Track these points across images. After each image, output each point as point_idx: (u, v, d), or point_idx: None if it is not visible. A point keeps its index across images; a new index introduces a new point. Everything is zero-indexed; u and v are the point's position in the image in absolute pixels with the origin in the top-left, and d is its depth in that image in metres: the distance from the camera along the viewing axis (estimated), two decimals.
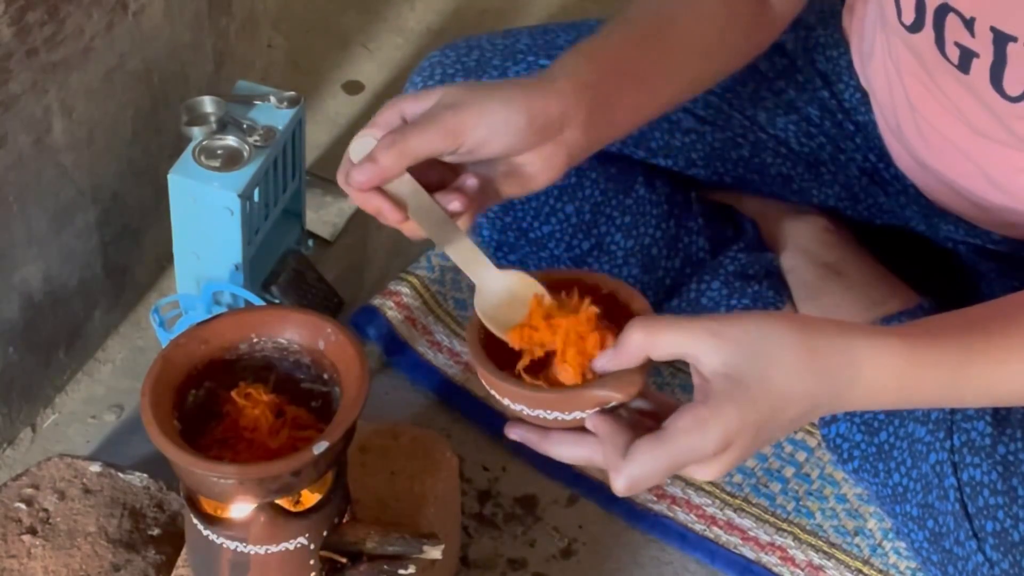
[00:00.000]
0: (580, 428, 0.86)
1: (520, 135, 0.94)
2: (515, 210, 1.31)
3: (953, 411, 1.11)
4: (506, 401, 0.88)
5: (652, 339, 0.84)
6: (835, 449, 1.24)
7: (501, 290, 0.91)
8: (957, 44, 1.02)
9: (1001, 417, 1.09)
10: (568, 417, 0.86)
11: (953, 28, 1.02)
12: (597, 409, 0.85)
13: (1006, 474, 1.07)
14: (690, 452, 0.83)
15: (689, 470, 0.84)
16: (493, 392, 0.88)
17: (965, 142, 1.11)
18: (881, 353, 0.85)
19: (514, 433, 0.88)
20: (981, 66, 1.01)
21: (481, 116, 0.93)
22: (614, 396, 0.85)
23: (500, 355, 0.89)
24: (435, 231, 0.92)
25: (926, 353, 0.86)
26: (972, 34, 1.00)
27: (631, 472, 0.83)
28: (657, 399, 0.89)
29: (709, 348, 0.83)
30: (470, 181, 0.94)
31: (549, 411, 0.86)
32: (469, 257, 0.92)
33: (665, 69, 1.05)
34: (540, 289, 0.90)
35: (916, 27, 1.06)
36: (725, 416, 0.82)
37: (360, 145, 0.94)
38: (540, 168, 0.97)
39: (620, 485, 0.84)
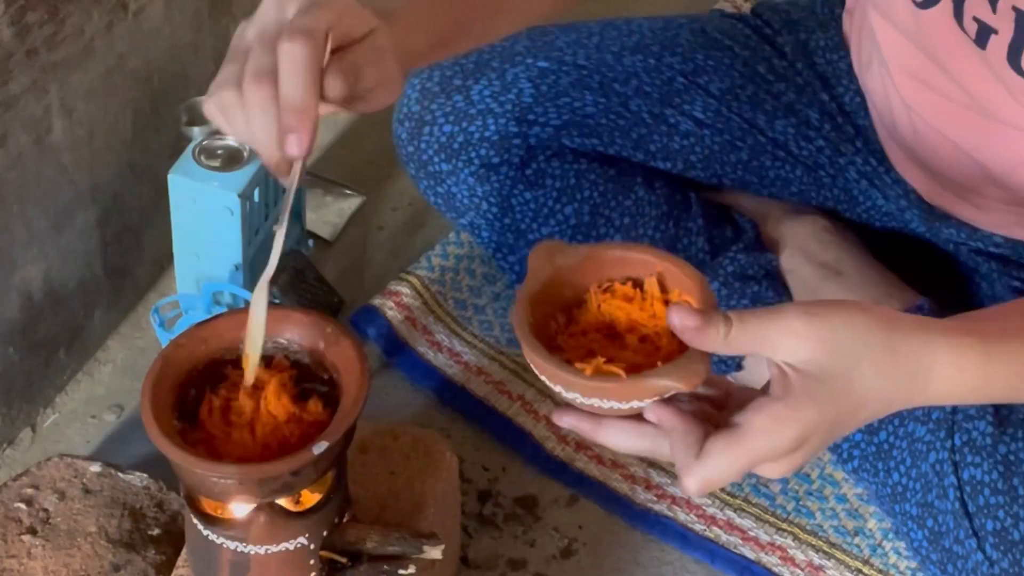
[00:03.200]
0: (636, 416, 0.83)
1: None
2: (513, 212, 1.31)
3: (955, 411, 1.11)
4: (558, 388, 0.83)
5: (729, 336, 0.80)
6: (834, 448, 1.24)
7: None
8: (976, 19, 1.02)
9: (1003, 417, 1.09)
10: (624, 406, 0.82)
11: (974, 2, 1.01)
12: (656, 398, 0.82)
13: (1007, 473, 1.07)
14: (766, 452, 0.80)
15: (759, 468, 0.82)
16: (544, 378, 0.84)
17: (965, 137, 1.11)
18: (959, 356, 0.83)
19: (564, 421, 0.84)
20: (999, 43, 1.01)
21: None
22: (676, 386, 0.80)
23: (547, 334, 0.86)
24: None
25: (1000, 355, 0.84)
26: (994, 10, 1.00)
27: (705, 474, 0.80)
28: (718, 383, 0.86)
29: (790, 347, 0.80)
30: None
31: (605, 400, 0.82)
32: None
33: (470, 26, 1.01)
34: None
35: (930, 1, 1.05)
36: (804, 416, 0.80)
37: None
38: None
39: (693, 487, 0.80)
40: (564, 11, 1.12)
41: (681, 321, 0.81)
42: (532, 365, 0.84)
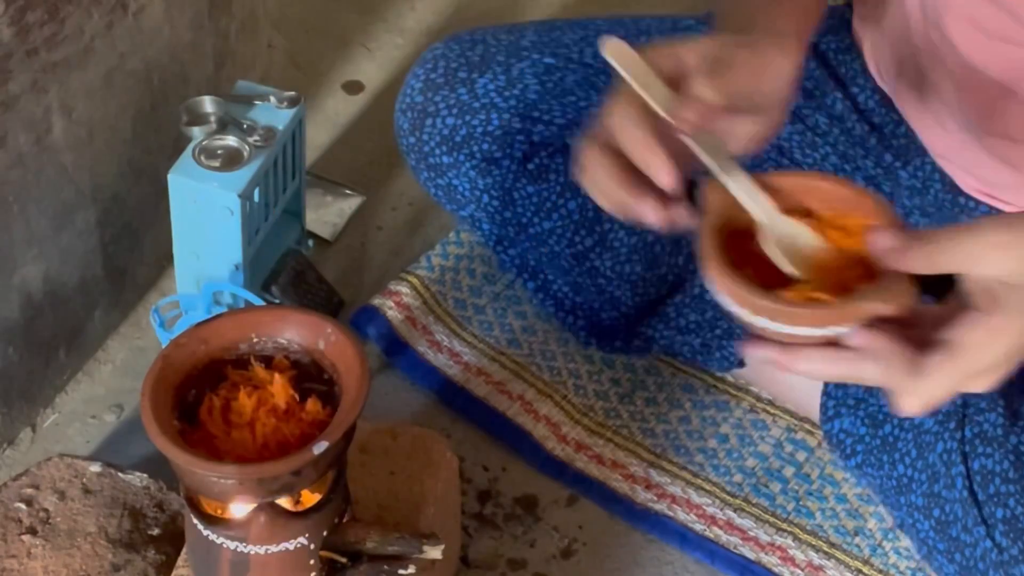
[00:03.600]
0: (829, 343, 0.81)
1: (791, 87, 0.94)
2: (515, 205, 1.31)
3: (965, 404, 1.11)
4: (744, 312, 0.81)
5: (932, 254, 0.80)
6: (838, 445, 1.24)
7: (784, 236, 0.86)
8: None
9: (1014, 409, 1.10)
10: (822, 332, 0.80)
11: None
12: (857, 323, 0.79)
13: (1018, 463, 1.07)
14: (982, 366, 0.80)
15: (967, 384, 0.82)
16: (731, 301, 0.82)
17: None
18: None
19: (758, 352, 0.83)
20: None
21: (775, 60, 0.92)
22: (886, 309, 0.79)
23: (729, 265, 0.84)
24: (719, 161, 0.88)
25: None
26: None
27: (929, 391, 0.80)
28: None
29: (995, 260, 0.79)
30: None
31: (808, 327, 0.80)
32: (753, 192, 0.87)
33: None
34: (821, 247, 0.85)
35: None
36: (1016, 328, 0.79)
37: (629, 63, 0.88)
38: (772, 129, 0.95)
39: (916, 404, 0.80)
40: None
41: (883, 243, 0.81)
42: (728, 297, 0.82)
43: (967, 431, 1.10)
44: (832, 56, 1.29)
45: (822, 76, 1.29)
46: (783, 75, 0.93)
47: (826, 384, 1.22)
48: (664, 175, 0.88)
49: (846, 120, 1.28)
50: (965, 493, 1.09)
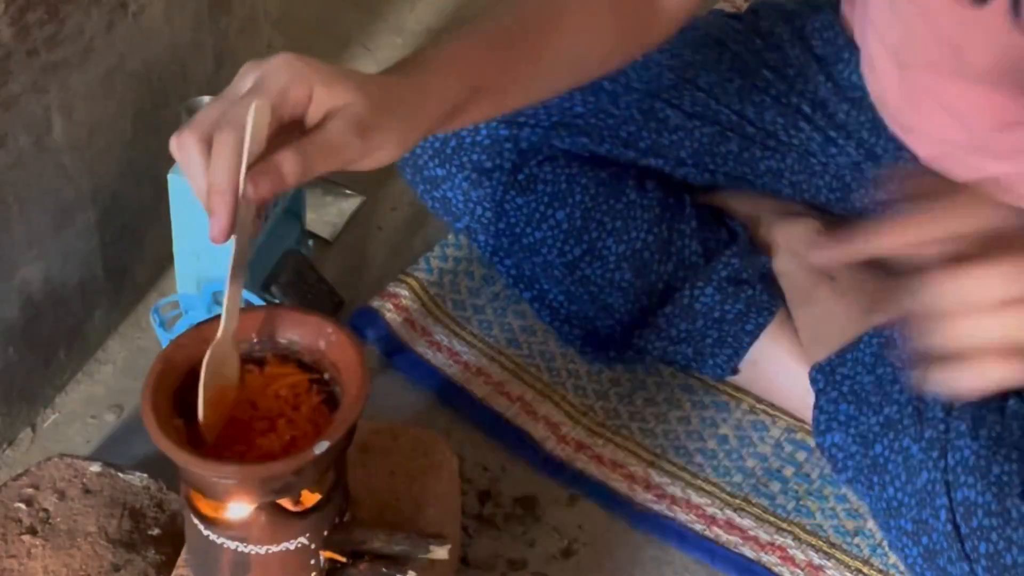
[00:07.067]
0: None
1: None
2: (507, 216, 1.31)
3: (947, 429, 1.10)
4: None
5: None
6: (830, 459, 1.24)
7: (217, 361, 0.93)
8: None
9: (995, 436, 1.08)
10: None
11: None
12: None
13: (1000, 495, 1.05)
14: None
15: None
16: None
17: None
18: None
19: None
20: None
21: (386, 137, 0.93)
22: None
23: None
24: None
25: None
26: None
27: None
28: None
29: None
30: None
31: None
32: (232, 311, 0.92)
33: (527, 77, 1.04)
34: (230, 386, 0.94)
35: None
36: None
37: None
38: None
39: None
40: (620, 62, 1.14)
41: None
42: None
43: (950, 458, 1.09)
44: (817, 35, 1.30)
45: (806, 60, 1.30)
46: (392, 153, 0.93)
47: (817, 398, 1.23)
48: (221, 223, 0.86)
49: (829, 106, 1.28)
50: (949, 527, 1.07)
